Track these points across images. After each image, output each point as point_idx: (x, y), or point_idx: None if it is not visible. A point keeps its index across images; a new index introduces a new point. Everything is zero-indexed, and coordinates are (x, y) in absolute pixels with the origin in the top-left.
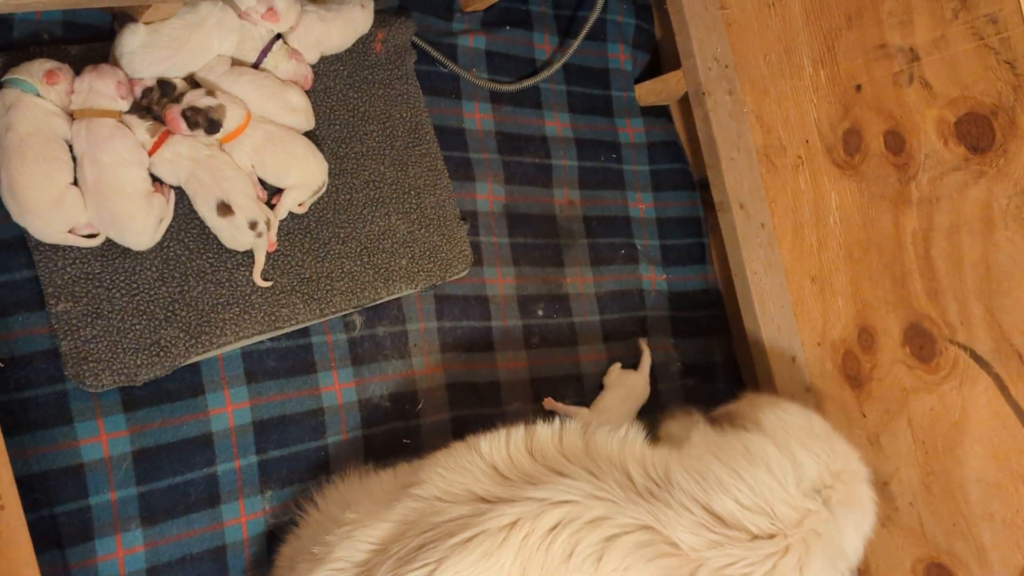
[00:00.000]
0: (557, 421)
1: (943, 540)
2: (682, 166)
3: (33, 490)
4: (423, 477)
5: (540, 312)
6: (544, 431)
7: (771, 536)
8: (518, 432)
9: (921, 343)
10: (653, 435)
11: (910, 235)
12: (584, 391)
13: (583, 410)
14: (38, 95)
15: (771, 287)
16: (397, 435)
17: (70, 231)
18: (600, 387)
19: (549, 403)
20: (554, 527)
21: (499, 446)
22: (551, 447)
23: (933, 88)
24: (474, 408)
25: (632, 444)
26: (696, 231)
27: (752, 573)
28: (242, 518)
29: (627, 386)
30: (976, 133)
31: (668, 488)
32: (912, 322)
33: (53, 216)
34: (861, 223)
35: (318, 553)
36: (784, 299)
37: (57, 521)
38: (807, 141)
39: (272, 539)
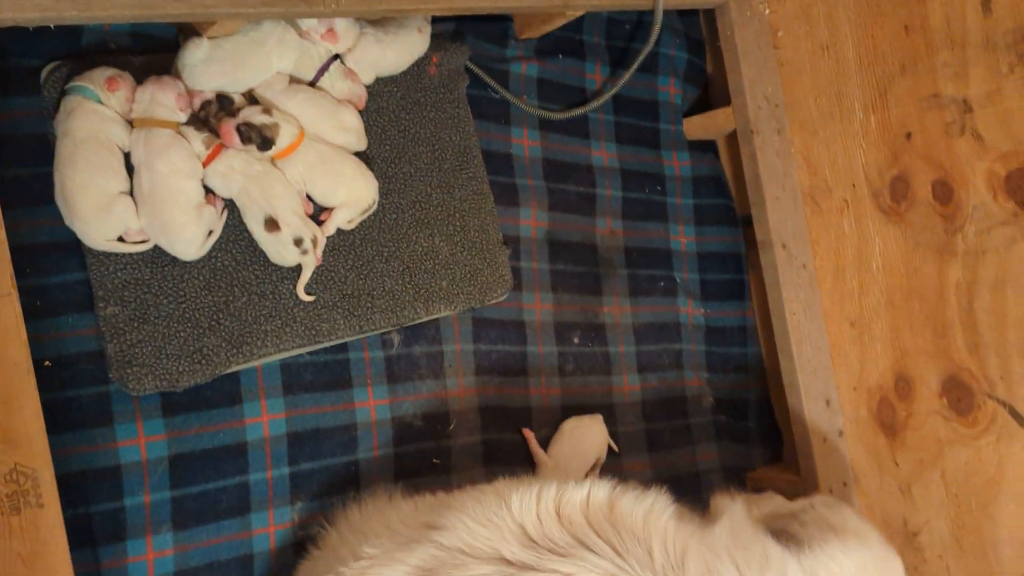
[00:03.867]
0: (588, 484)
1: None
2: (726, 202)
3: (70, 488)
4: (447, 524)
5: (576, 340)
6: (574, 494)
7: None
8: (549, 491)
9: (959, 396)
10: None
11: (953, 286)
12: (615, 421)
13: (546, 461)
14: (99, 102)
15: (809, 328)
16: (427, 455)
17: (121, 238)
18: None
19: (528, 435)
20: None
21: (529, 505)
22: (578, 513)
23: (985, 141)
24: (505, 432)
25: (658, 519)
26: (737, 267)
27: None
28: (271, 528)
29: (578, 441)
30: None
31: (682, 574)
32: (951, 374)
33: (100, 223)
34: (904, 271)
35: None
36: (822, 341)
37: (92, 520)
38: (854, 185)
39: (299, 550)
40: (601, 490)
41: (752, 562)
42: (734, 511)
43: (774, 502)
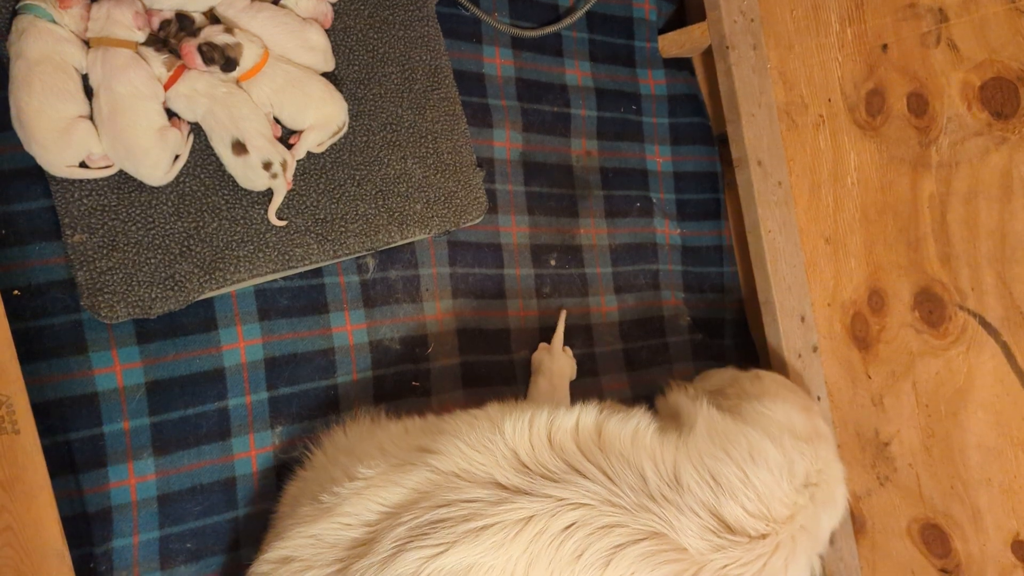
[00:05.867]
0: (577, 410)
1: (940, 502)
2: (702, 120)
3: (48, 416)
4: (442, 448)
5: (553, 262)
6: (564, 421)
7: (764, 536)
8: (541, 417)
9: (931, 308)
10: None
11: (927, 199)
12: (593, 342)
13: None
14: (52, 21)
15: (785, 246)
16: (407, 377)
17: (83, 163)
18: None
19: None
20: (567, 527)
21: (522, 430)
22: (569, 439)
23: (960, 51)
24: (483, 354)
25: (643, 438)
26: (712, 187)
27: (745, 573)
28: (252, 452)
29: (549, 373)
30: (1000, 99)
31: (679, 491)
32: (923, 287)
33: (59, 149)
34: (879, 185)
35: (326, 502)
36: (797, 258)
37: (72, 447)
38: (829, 100)
39: (281, 473)
40: (589, 416)
41: (741, 449)
42: (705, 410)
43: (710, 381)
